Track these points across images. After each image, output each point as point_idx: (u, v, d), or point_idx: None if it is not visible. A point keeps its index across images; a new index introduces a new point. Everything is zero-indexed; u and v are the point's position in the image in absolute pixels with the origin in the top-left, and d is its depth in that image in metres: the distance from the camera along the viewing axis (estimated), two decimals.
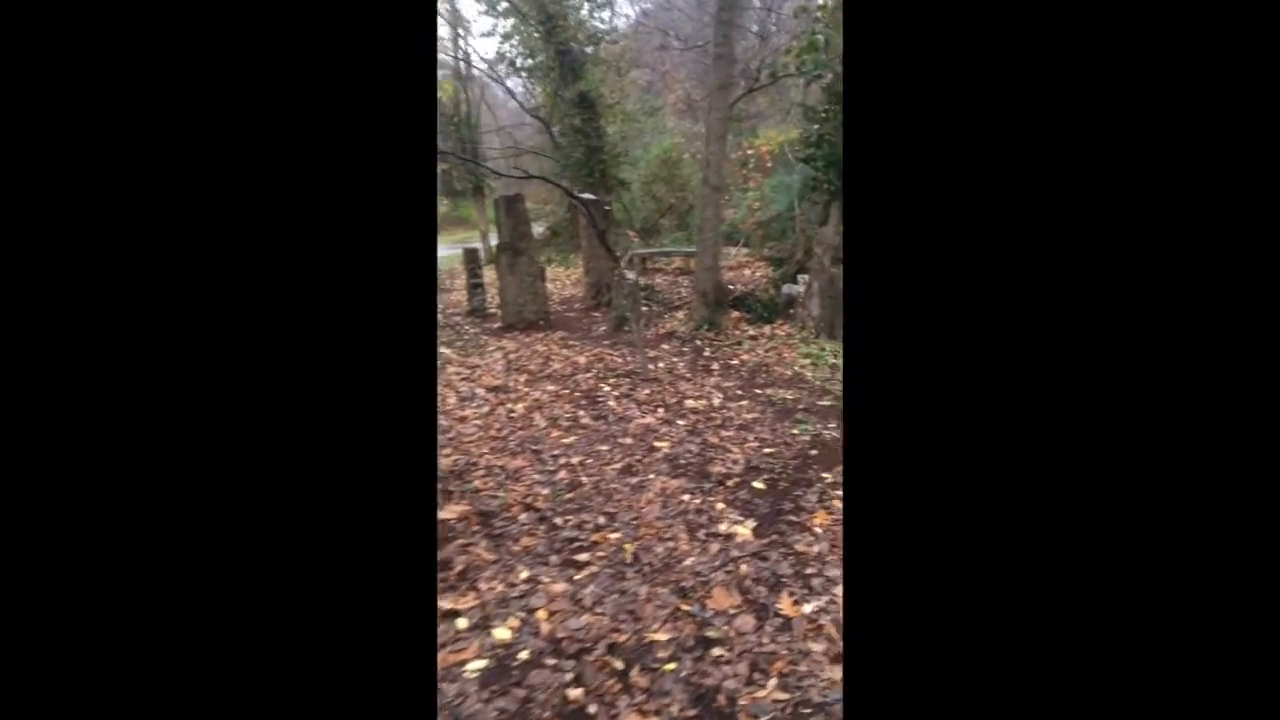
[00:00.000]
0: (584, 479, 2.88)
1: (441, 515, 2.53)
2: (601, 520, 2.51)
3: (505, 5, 10.15)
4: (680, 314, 6.38)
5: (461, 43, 13.15)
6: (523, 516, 2.55)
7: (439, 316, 6.75)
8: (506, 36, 10.90)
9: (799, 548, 2.30)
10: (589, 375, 4.44)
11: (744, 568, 2.18)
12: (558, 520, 2.52)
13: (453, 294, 8.43)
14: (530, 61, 11.01)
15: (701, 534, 2.41)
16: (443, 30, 13.04)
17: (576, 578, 2.15)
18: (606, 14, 11.34)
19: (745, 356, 4.78)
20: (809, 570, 2.17)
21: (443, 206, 19.04)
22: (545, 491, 2.76)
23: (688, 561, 2.23)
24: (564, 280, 9.29)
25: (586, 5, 10.70)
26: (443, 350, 5.34)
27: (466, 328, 6.39)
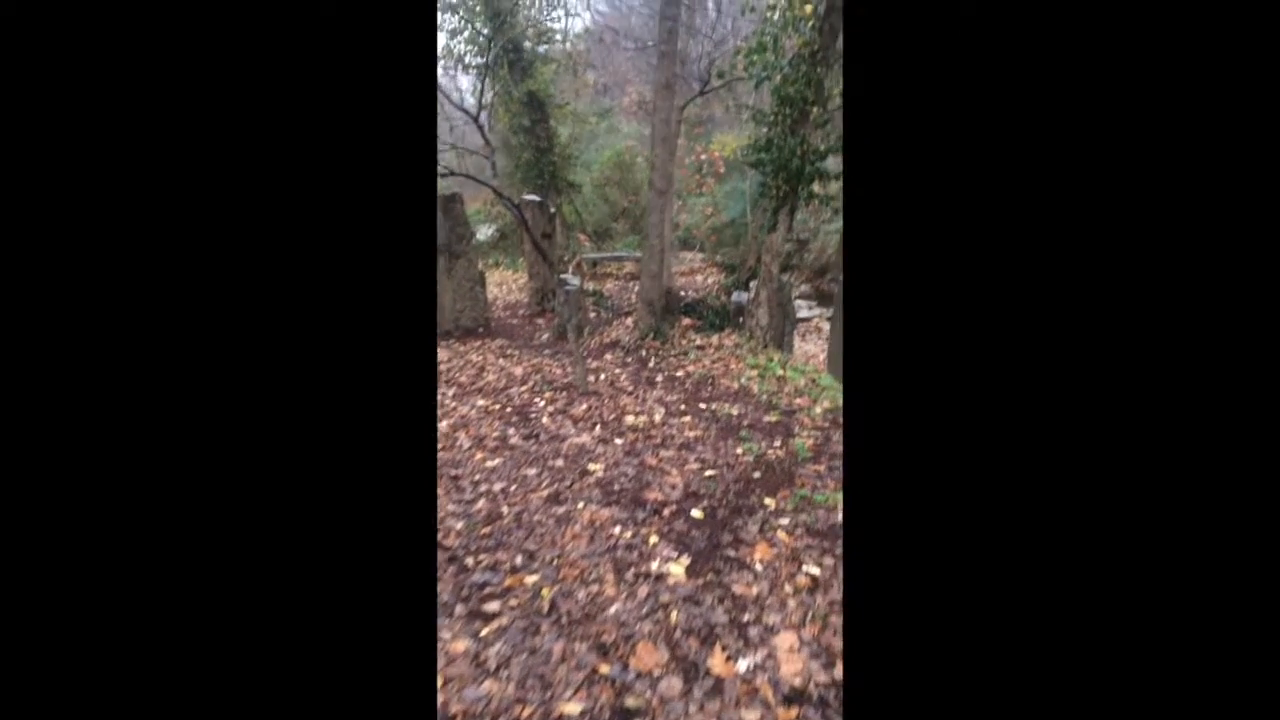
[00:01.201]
0: (505, 509, 2.60)
1: None
2: (519, 560, 2.24)
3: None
4: (629, 321, 6.15)
5: None
6: None
7: None
8: (455, 32, 10.54)
9: (736, 589, 2.07)
10: (524, 389, 4.16)
11: (674, 615, 1.94)
12: (469, 561, 2.24)
13: None
14: (480, 60, 10.66)
15: (630, 574, 2.16)
16: None
17: (483, 633, 1.88)
18: (559, 13, 11.07)
19: (691, 368, 4.57)
20: (746, 617, 1.94)
21: None
22: (459, 526, 2.47)
23: (612, 610, 1.98)
24: (510, 285, 8.97)
25: (537, 2, 10.42)
26: None
27: None
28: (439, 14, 9.82)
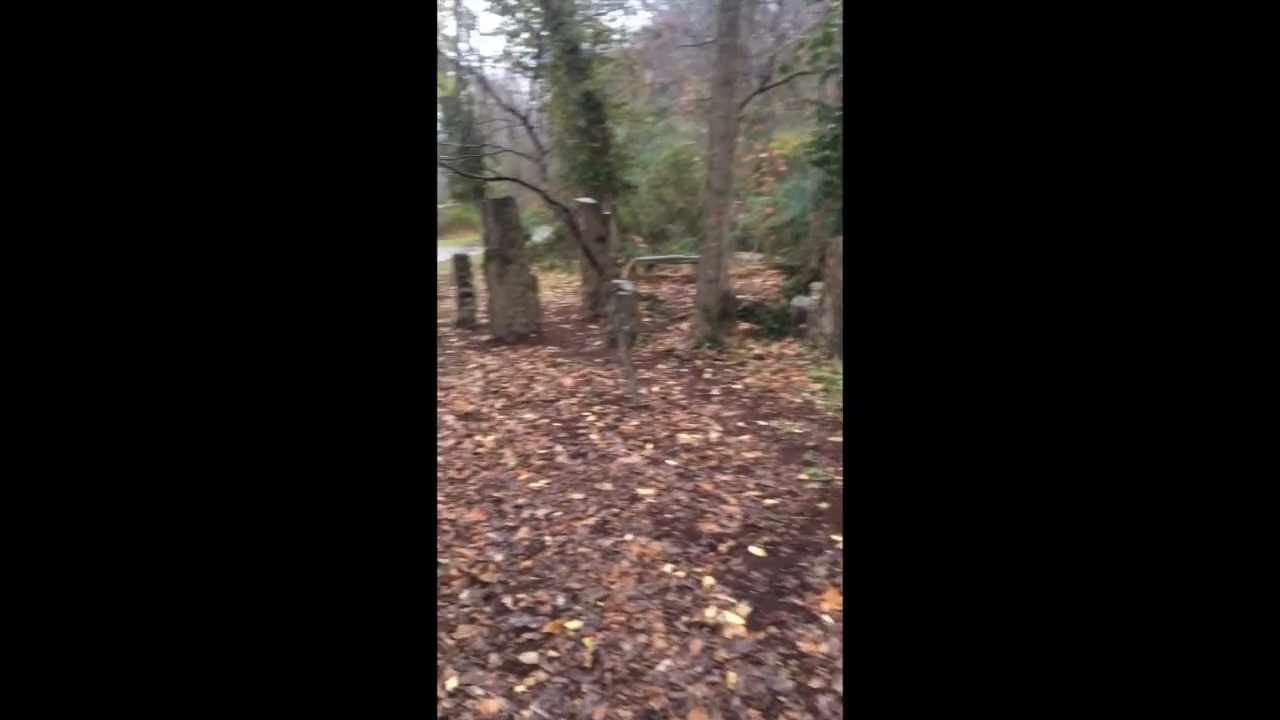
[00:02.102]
0: (548, 539, 2.42)
1: None
2: (561, 601, 2.05)
3: (512, 1, 9.75)
4: (684, 326, 5.91)
5: (465, 38, 12.78)
6: (465, 594, 2.10)
7: None
8: (513, 35, 10.52)
9: (803, 646, 1.83)
10: (573, 401, 3.98)
11: (731, 676, 1.72)
12: (507, 600, 2.06)
13: (445, 301, 8.03)
14: (536, 62, 10.63)
15: (682, 623, 1.94)
16: (450, 27, 12.72)
17: (518, 689, 1.70)
18: (617, 12, 10.93)
19: (750, 380, 4.30)
20: (814, 682, 1.69)
21: (451, 209, 18.72)
22: (499, 557, 2.30)
23: (661, 666, 1.77)
24: (565, 288, 8.85)
25: (594, 2, 10.29)
26: None
27: (452, 340, 5.96)
28: (496, 16, 9.83)
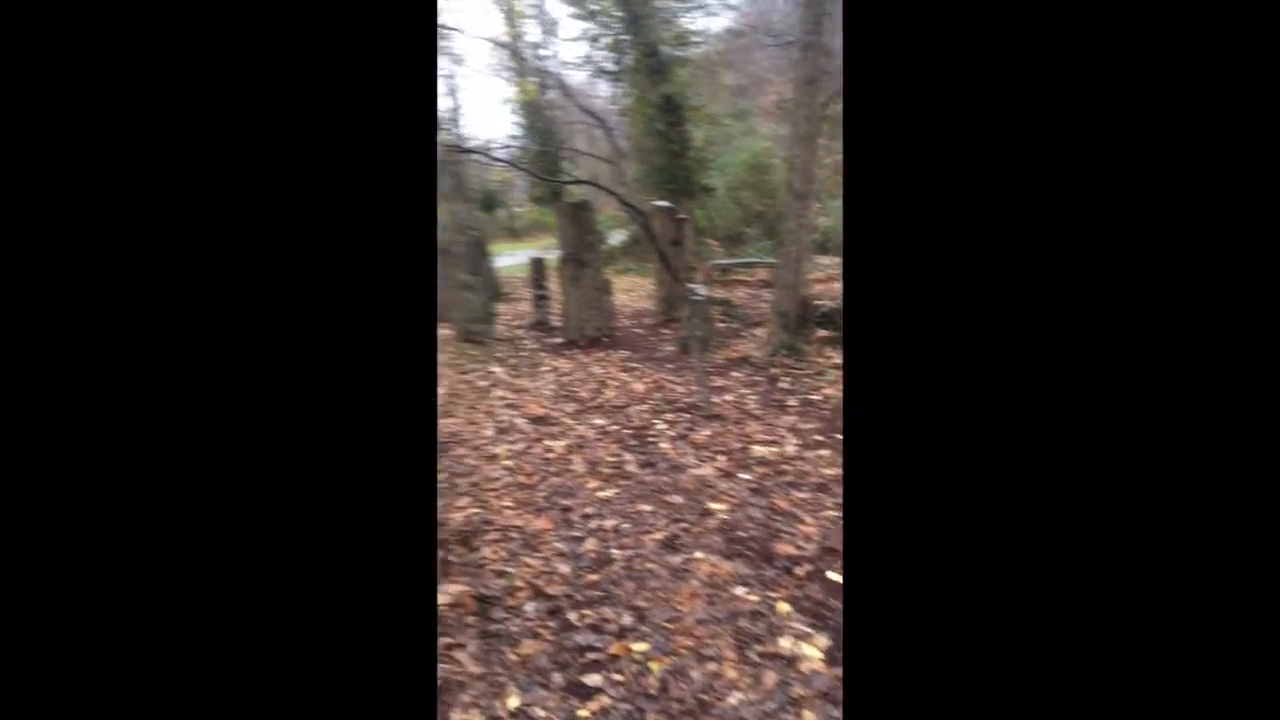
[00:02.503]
0: (615, 553, 2.35)
1: None
2: (627, 620, 1.97)
3: (594, 7, 9.83)
4: (760, 331, 5.75)
5: (547, 44, 13.01)
6: (530, 606, 2.05)
7: (501, 329, 6.42)
8: (594, 39, 10.62)
9: None
10: (644, 408, 3.91)
11: (808, 716, 1.59)
12: (572, 615, 2.00)
13: (521, 304, 8.14)
14: (617, 66, 10.67)
15: (755, 652, 1.82)
16: (534, 33, 12.98)
17: (580, 713, 1.63)
18: (697, 14, 10.82)
19: (829, 390, 4.11)
20: None
21: (528, 213, 19.11)
22: (565, 569, 2.24)
23: (732, 699, 1.65)
24: (639, 291, 8.82)
25: (674, 4, 10.23)
26: (493, 370, 4.95)
27: (526, 342, 6.02)
28: (579, 22, 9.91)
